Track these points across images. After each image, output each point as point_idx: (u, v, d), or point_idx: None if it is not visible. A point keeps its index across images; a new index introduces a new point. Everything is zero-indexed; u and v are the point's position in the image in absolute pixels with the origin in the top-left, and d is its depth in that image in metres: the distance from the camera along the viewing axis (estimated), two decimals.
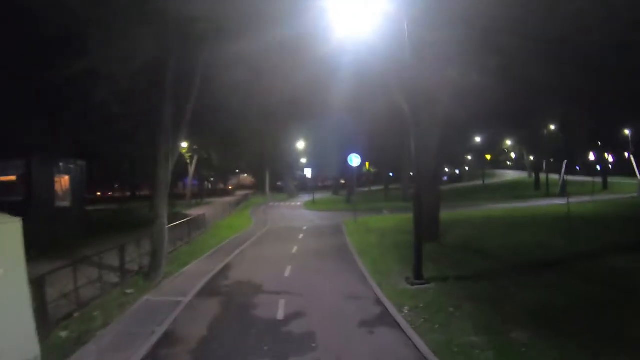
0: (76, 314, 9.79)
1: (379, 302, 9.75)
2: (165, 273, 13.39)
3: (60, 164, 25.15)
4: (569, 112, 39.03)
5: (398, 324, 8.22)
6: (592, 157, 45.02)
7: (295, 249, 17.66)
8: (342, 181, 77.07)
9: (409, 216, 28.17)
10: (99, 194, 74.37)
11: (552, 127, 44.37)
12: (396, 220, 27.23)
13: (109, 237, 21.71)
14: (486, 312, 8.64)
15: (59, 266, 10.42)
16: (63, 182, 25.71)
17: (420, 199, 11.58)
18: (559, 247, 15.14)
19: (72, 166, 26.16)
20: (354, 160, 27.41)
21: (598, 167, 61.58)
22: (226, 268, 14.25)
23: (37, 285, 8.79)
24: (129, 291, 11.67)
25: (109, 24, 13.22)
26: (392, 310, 9.06)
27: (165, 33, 12.73)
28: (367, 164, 50.14)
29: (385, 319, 8.63)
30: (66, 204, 25.70)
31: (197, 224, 24.17)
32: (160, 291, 11.70)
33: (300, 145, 57.51)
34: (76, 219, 26.22)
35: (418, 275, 11.05)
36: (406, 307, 9.15)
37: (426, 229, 17.56)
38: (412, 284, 10.90)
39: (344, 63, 21.37)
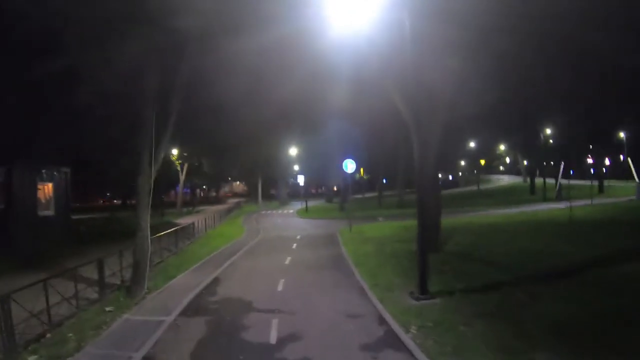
0: (48, 335, 8.86)
1: (382, 320, 8.84)
2: (149, 287, 12.42)
3: (44, 171, 24.16)
4: (565, 115, 38.78)
5: (406, 347, 7.34)
6: (590, 160, 44.46)
7: (288, 260, 16.69)
8: (335, 188, 76.33)
9: (405, 223, 27.87)
10: (103, 201, 73.31)
11: (549, 130, 43.85)
12: (392, 228, 26.40)
13: (96, 247, 20.91)
14: (501, 330, 7.80)
15: (37, 279, 9.51)
16: (46, 190, 24.72)
17: (423, 205, 10.71)
18: (567, 254, 14.42)
19: (55, 173, 25.17)
20: (349, 165, 26.50)
21: (592, 171, 61.45)
22: (215, 282, 13.25)
23: (2, 303, 7.92)
24: (108, 309, 10.70)
25: (91, 21, 12.35)
26: (398, 330, 8.16)
27: (148, 31, 11.85)
28: (361, 170, 49.36)
29: (390, 340, 7.73)
30: (50, 212, 24.73)
31: (186, 233, 23.17)
32: (141, 309, 10.72)
33: (293, 151, 56.66)
34: (61, 228, 25.26)
35: (423, 289, 10.18)
36: (413, 326, 8.25)
37: (427, 237, 16.81)
38: (417, 299, 10.03)
39: (339, 66, 20.75)
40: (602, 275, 11.44)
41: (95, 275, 11.94)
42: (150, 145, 11.96)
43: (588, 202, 33.18)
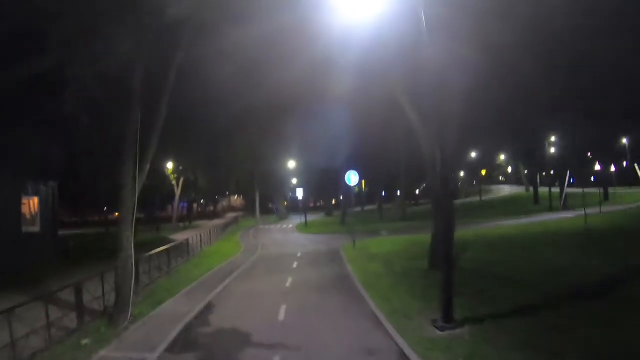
0: None
1: (403, 357, 7.46)
2: (135, 315, 10.97)
3: (29, 184, 22.77)
4: (569, 122, 38.01)
5: None
6: (598, 167, 43.46)
7: (289, 281, 15.15)
8: (333, 201, 75.08)
9: (411, 238, 26.51)
10: (114, 215, 70.85)
11: (553, 138, 42.81)
12: (398, 243, 25.05)
13: (84, 265, 19.52)
14: None
15: (13, 304, 8.31)
16: (32, 204, 23.29)
17: (448, 219, 9.37)
18: (593, 268, 13.36)
19: (42, 187, 23.79)
20: (352, 178, 25.24)
21: (592, 178, 60.46)
22: (208, 309, 11.74)
23: None
24: (84, 342, 9.29)
25: (73, 12, 11.19)
26: None
27: (138, 16, 10.64)
28: (362, 183, 48.11)
29: None
30: (35, 229, 23.27)
31: (179, 251, 21.68)
32: (122, 343, 9.29)
33: (291, 165, 55.32)
34: (47, 245, 23.83)
35: (448, 317, 8.79)
36: None
37: (439, 254, 15.46)
38: (442, 329, 8.64)
39: (340, 71, 19.82)
40: (636, 290, 10.51)
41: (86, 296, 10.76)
42: (134, 154, 10.60)
43: (596, 210, 32.03)
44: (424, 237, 26.69)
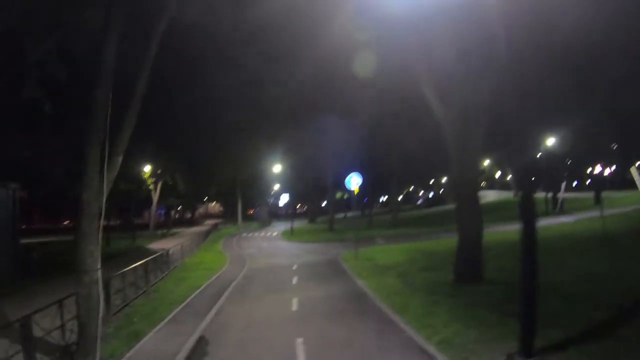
0: None
1: None
2: (104, 358, 8.31)
3: None
4: (563, 127, 37.13)
5: None
6: (599, 168, 42.61)
7: (295, 302, 12.43)
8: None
9: (413, 246, 24.49)
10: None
11: (549, 142, 41.60)
12: (402, 251, 22.97)
13: (48, 282, 17.49)
14: None
15: None
16: None
17: (532, 230, 7.19)
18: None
19: (0, 189, 20.88)
20: (353, 180, 23.11)
21: (575, 183, 59.96)
22: (201, 346, 8.97)
23: None
24: None
25: None
26: None
27: None
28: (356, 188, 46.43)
29: None
30: None
31: (158, 263, 18.85)
32: None
33: (277, 169, 52.83)
34: (6, 258, 20.91)
35: (529, 350, 6.64)
36: None
37: (467, 264, 13.43)
38: None
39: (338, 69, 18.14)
40: None
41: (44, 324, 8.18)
42: (101, 145, 7.96)
43: (594, 214, 30.93)
44: (426, 245, 24.91)
